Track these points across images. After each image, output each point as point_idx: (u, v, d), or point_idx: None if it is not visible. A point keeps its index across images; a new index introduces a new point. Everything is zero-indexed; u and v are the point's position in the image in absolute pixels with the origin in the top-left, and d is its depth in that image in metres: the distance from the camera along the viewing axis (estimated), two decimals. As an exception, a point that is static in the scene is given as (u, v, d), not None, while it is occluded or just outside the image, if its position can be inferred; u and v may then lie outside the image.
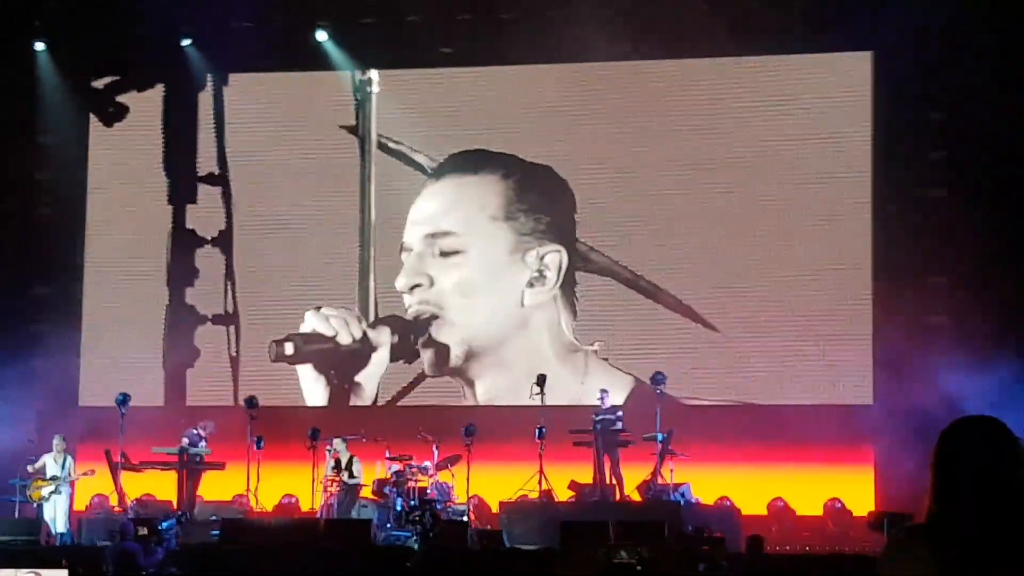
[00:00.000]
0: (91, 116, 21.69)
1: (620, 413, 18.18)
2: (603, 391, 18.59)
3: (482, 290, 20.22)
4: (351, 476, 18.16)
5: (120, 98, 21.61)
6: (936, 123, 19.15)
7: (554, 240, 20.19)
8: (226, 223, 21.18)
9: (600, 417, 18.13)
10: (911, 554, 3.45)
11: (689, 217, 19.89)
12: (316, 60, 20.89)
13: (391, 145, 20.88)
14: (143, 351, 20.83)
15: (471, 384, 20.25)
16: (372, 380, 20.43)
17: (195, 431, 18.73)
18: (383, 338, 20.37)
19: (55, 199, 21.66)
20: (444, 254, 20.34)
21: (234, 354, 20.95)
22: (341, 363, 20.51)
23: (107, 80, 21.61)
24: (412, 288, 20.37)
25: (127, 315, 21.00)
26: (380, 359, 20.37)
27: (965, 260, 18.42)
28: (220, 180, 21.26)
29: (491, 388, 20.13)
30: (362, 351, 20.45)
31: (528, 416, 18.35)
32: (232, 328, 20.99)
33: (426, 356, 20.27)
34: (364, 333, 20.45)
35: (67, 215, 21.49)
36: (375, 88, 20.93)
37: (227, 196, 21.21)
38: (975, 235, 18.32)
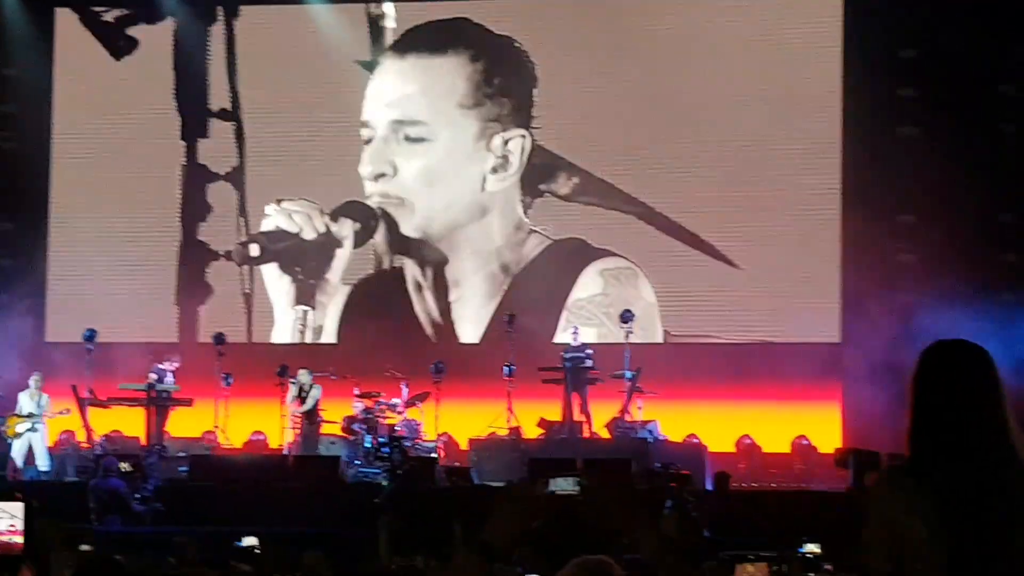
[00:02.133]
0: (55, 48, 21.41)
1: (590, 351, 18.20)
2: (574, 328, 18.60)
3: (446, 178, 20.18)
4: (303, 402, 18.07)
5: (81, 32, 21.36)
6: (907, 61, 19.09)
7: (518, 125, 20.12)
8: (238, 158, 20.95)
9: (569, 355, 18.15)
10: (902, 493, 3.43)
11: (655, 154, 19.78)
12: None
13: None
14: (112, 286, 20.62)
15: (422, 268, 20.20)
16: (338, 273, 20.37)
17: (161, 366, 18.63)
18: (345, 230, 20.31)
19: (19, 132, 21.40)
20: (410, 140, 20.24)
21: (247, 291, 20.76)
22: (307, 259, 20.42)
23: (118, 12, 21.30)
24: (377, 177, 20.26)
25: (94, 250, 20.80)
26: (345, 251, 20.33)
27: (935, 198, 18.43)
28: (230, 115, 20.99)
29: (440, 277, 20.15)
30: (327, 244, 20.36)
31: (497, 353, 18.36)
32: (245, 264, 20.71)
33: (379, 239, 20.21)
34: (327, 227, 20.35)
35: (32, 149, 21.23)
36: (390, 22, 20.70)
37: (239, 131, 20.94)
38: (945, 173, 18.32)
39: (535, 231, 20.10)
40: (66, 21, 21.52)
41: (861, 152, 19.05)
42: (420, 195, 20.13)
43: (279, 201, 20.46)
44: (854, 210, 19.03)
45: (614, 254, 19.77)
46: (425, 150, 20.18)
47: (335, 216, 20.35)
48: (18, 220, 21.22)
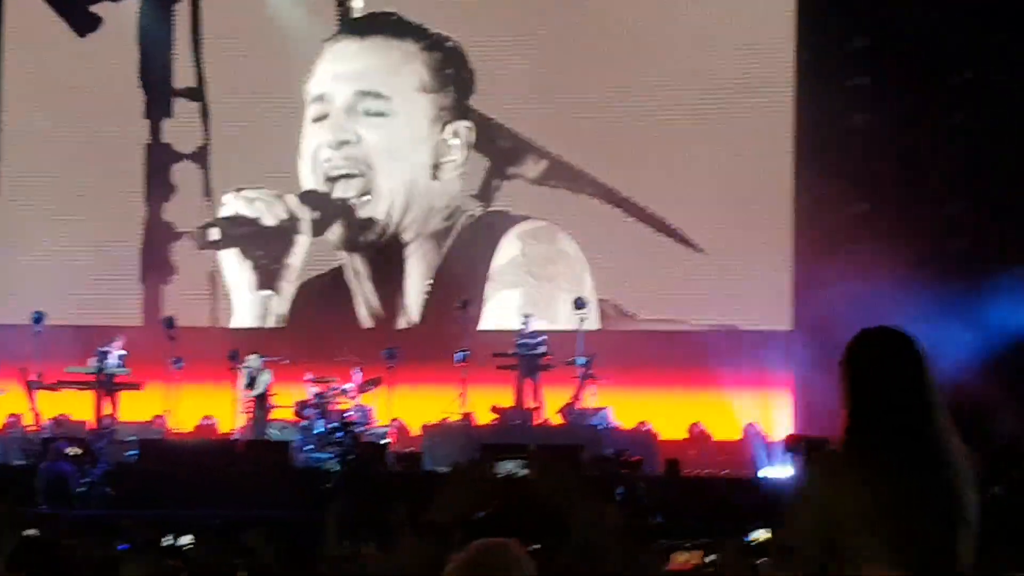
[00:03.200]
0: (4, 26, 21.17)
1: (543, 337, 18.19)
2: (525, 315, 18.58)
3: (405, 156, 20.15)
4: (252, 388, 17.99)
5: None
6: (859, 49, 19.14)
7: (463, 116, 20.15)
8: (204, 138, 20.72)
9: (522, 341, 18.14)
10: (828, 478, 3.44)
11: (604, 138, 19.76)
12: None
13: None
14: (64, 267, 20.37)
15: (364, 256, 20.15)
16: (300, 258, 20.28)
17: (103, 349, 18.36)
18: (304, 216, 20.19)
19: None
20: (370, 114, 20.20)
21: (212, 271, 20.55)
22: (268, 244, 20.34)
23: None
24: (340, 144, 20.16)
25: (45, 230, 20.57)
26: (305, 238, 20.25)
27: (887, 187, 18.51)
28: (196, 94, 20.79)
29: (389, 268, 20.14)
30: (288, 230, 20.24)
31: (450, 339, 18.33)
32: (205, 249, 20.47)
33: (338, 230, 20.11)
34: (288, 213, 20.21)
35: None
36: (357, 2, 20.57)
37: (204, 110, 20.73)
38: (898, 162, 18.42)
39: (464, 212, 20.12)
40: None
41: (814, 141, 19.09)
42: (384, 167, 20.12)
43: (238, 189, 20.34)
44: (806, 198, 19.08)
45: (530, 218, 19.86)
46: (385, 124, 20.20)
47: (294, 203, 20.25)
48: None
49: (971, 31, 18.46)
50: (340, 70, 20.45)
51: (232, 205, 20.34)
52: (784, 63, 19.36)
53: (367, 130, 20.23)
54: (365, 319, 20.29)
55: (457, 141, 20.17)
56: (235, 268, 20.39)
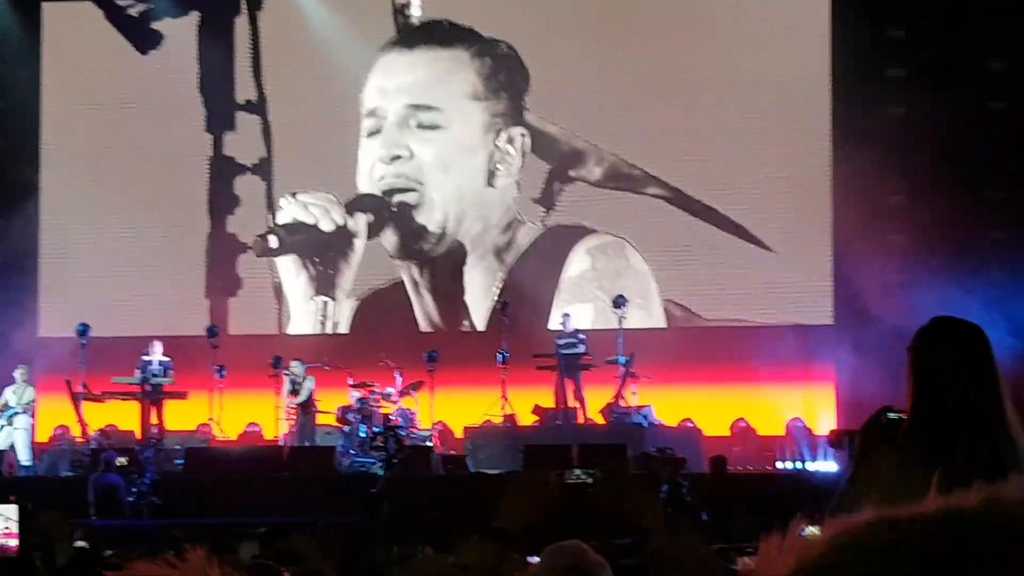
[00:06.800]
0: (43, 43, 21.35)
1: (582, 336, 18.20)
2: (565, 315, 18.60)
3: (458, 167, 20.17)
4: (296, 394, 18.07)
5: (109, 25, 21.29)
6: (894, 40, 19.11)
7: (519, 123, 20.14)
8: (265, 150, 20.83)
9: (562, 341, 18.16)
10: (891, 443, 3.44)
11: (644, 137, 19.80)
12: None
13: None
14: (107, 280, 20.50)
15: (422, 266, 20.20)
16: (355, 264, 20.34)
17: (146, 358, 18.38)
18: (359, 224, 20.26)
19: (6, 127, 21.32)
20: (423, 127, 20.23)
21: (277, 282, 20.67)
22: (325, 250, 20.41)
23: (141, 7, 21.15)
24: (393, 159, 20.23)
25: (87, 245, 20.73)
26: (361, 243, 20.33)
27: (924, 178, 18.46)
28: (257, 107, 20.89)
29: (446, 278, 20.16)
30: (344, 235, 20.32)
31: (491, 341, 18.36)
32: (264, 256, 20.58)
33: (392, 238, 20.21)
34: (344, 218, 20.30)
35: (19, 145, 21.16)
36: (415, 11, 20.65)
37: (265, 123, 20.83)
38: (934, 152, 18.37)
39: (525, 222, 20.14)
40: (53, 16, 21.46)
41: (851, 133, 19.05)
42: (436, 181, 20.16)
43: (294, 194, 20.46)
44: (845, 191, 19.04)
45: (598, 231, 19.84)
46: (438, 137, 20.21)
47: (349, 210, 20.32)
48: (7, 214, 21.10)
49: (1004, 19, 18.40)
50: (391, 84, 20.47)
51: (289, 210, 20.45)
52: (820, 57, 19.33)
53: (420, 144, 20.23)
54: (425, 327, 20.30)
55: (512, 148, 20.14)
56: (293, 274, 20.49)
